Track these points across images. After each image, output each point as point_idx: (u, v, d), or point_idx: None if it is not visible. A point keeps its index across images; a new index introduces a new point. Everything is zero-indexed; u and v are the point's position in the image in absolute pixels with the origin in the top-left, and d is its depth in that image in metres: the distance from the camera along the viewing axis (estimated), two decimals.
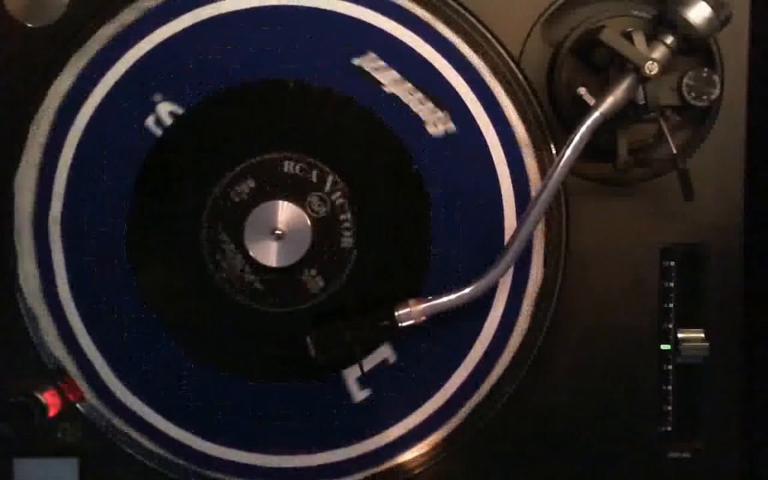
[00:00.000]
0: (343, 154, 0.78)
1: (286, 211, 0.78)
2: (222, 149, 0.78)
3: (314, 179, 0.78)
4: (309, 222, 0.78)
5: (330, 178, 0.78)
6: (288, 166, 0.78)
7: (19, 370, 0.81)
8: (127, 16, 0.77)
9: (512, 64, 0.80)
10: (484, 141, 0.78)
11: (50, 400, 0.79)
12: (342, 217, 0.78)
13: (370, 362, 0.80)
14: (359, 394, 0.80)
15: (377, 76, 0.77)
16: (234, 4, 0.77)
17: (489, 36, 0.79)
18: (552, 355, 0.82)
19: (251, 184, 0.78)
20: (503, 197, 0.78)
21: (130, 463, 0.82)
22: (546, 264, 0.80)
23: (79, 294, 0.80)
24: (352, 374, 0.80)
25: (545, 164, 0.78)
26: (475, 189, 0.78)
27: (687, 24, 0.73)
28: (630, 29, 0.76)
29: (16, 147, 0.78)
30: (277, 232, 0.78)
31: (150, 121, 0.78)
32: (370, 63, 0.77)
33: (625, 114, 0.75)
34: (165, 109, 0.78)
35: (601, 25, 0.77)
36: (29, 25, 0.78)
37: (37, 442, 0.82)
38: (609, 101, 0.73)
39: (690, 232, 0.82)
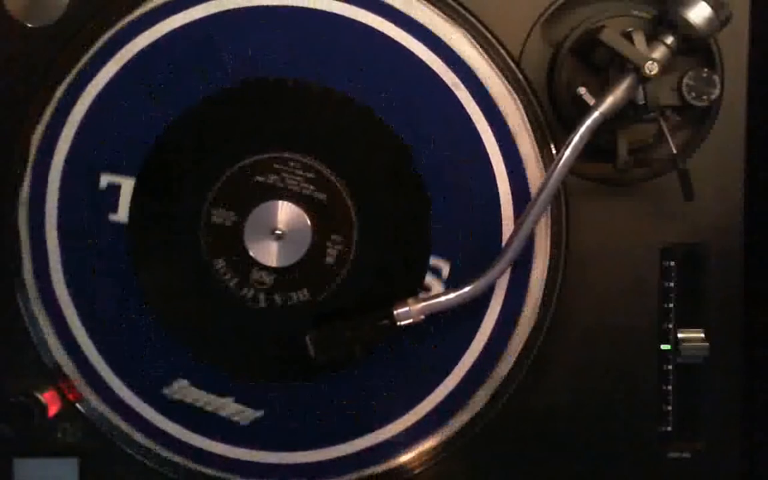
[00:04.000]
0: (342, 154, 0.78)
1: (285, 211, 0.78)
2: (221, 149, 0.78)
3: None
4: (308, 222, 0.78)
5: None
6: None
7: (19, 370, 0.81)
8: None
9: (512, 64, 0.80)
10: (484, 141, 0.78)
11: (50, 400, 0.80)
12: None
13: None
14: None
15: None
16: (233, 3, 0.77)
17: (489, 36, 0.79)
18: (552, 355, 0.82)
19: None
20: (502, 197, 0.78)
21: (130, 463, 0.83)
22: (546, 264, 0.80)
23: (78, 294, 0.80)
24: None
25: (545, 164, 0.78)
26: (474, 189, 0.78)
27: (687, 24, 0.73)
28: (630, 29, 0.76)
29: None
30: (277, 232, 0.78)
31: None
32: None
33: (625, 114, 0.75)
34: None
35: (601, 25, 0.77)
36: (29, 25, 0.78)
37: (37, 442, 0.82)
38: (609, 101, 0.73)
39: (690, 232, 0.82)
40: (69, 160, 0.78)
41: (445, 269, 0.79)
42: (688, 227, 0.82)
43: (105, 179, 0.78)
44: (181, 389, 0.80)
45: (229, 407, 0.81)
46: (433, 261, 0.79)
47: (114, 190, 0.78)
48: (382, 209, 0.79)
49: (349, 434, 0.81)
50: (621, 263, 0.82)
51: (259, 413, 0.81)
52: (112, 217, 0.78)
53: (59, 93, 0.77)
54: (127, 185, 0.78)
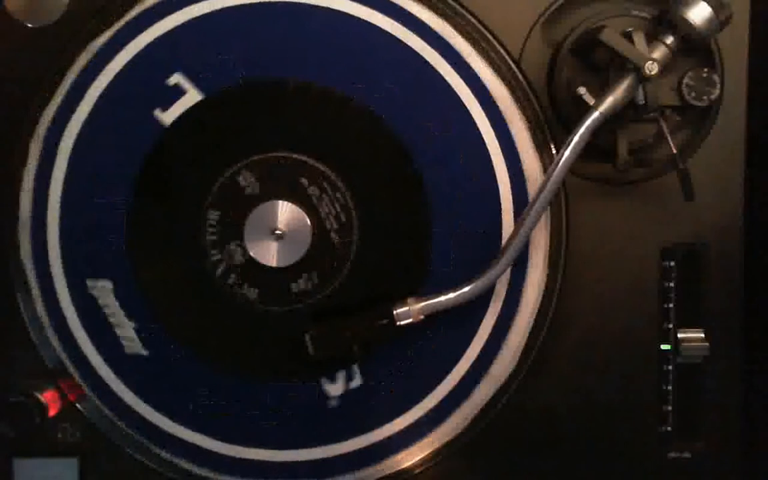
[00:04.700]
0: (343, 154, 0.78)
1: (286, 211, 0.78)
2: (221, 149, 0.78)
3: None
4: (308, 221, 0.78)
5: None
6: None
7: (19, 370, 0.81)
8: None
9: (512, 64, 0.80)
10: (484, 141, 0.78)
11: (50, 400, 0.80)
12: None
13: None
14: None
15: None
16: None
17: (489, 36, 0.79)
18: (552, 355, 0.82)
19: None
20: (502, 197, 0.78)
21: (130, 463, 0.83)
22: (546, 264, 0.80)
23: (79, 294, 0.80)
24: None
25: (545, 164, 0.78)
26: (474, 188, 0.78)
27: (687, 24, 0.73)
28: (630, 29, 0.76)
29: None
30: (277, 232, 0.78)
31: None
32: None
33: (625, 114, 0.75)
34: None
35: (601, 25, 0.77)
36: (29, 25, 0.78)
37: (37, 442, 0.82)
38: (609, 101, 0.73)
39: (690, 232, 0.82)
40: (71, 162, 0.78)
41: None
42: (688, 227, 0.82)
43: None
44: (102, 290, 0.79)
45: (126, 331, 0.79)
46: None
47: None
48: (382, 210, 0.79)
49: (349, 433, 0.81)
50: (621, 263, 0.82)
51: (145, 353, 0.80)
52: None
53: (62, 91, 0.78)
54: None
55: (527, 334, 0.80)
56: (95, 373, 0.80)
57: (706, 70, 0.77)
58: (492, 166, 0.78)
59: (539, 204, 0.74)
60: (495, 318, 0.80)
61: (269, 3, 0.77)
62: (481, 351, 0.80)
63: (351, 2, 0.77)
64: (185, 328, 0.80)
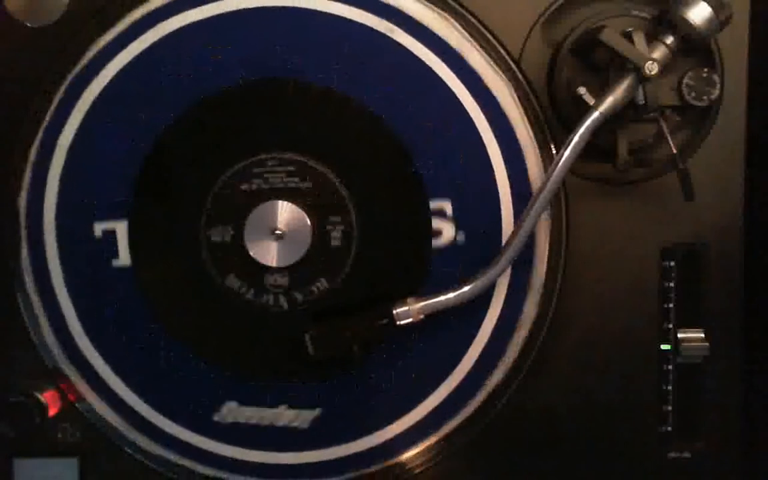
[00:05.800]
0: (343, 155, 0.78)
1: (286, 211, 0.78)
2: (221, 149, 0.78)
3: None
4: (308, 221, 0.78)
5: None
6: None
7: (19, 370, 0.81)
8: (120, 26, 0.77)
9: (512, 64, 0.80)
10: (484, 141, 0.78)
11: (50, 400, 0.80)
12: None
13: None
14: None
15: None
16: (232, 4, 0.77)
17: (489, 36, 0.79)
18: (552, 355, 0.82)
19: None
20: (503, 197, 0.78)
21: (130, 463, 0.83)
22: (546, 264, 0.80)
23: (78, 295, 0.80)
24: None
25: (545, 164, 0.78)
26: (474, 189, 0.78)
27: (687, 24, 0.73)
28: (630, 29, 0.76)
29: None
30: (277, 232, 0.78)
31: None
32: None
33: (625, 114, 0.75)
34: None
35: (601, 25, 0.77)
36: (29, 25, 0.78)
37: (37, 442, 0.82)
38: (609, 101, 0.73)
39: (690, 232, 0.82)
40: (70, 162, 0.78)
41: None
42: (688, 227, 0.82)
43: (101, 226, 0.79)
44: (231, 412, 0.80)
45: (284, 416, 0.80)
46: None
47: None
48: (382, 210, 0.79)
49: (349, 434, 0.81)
50: (621, 263, 0.82)
51: (317, 412, 0.80)
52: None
53: (62, 91, 0.78)
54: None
55: (527, 335, 0.80)
56: (97, 375, 0.80)
57: (706, 70, 0.77)
58: (492, 166, 0.78)
59: (539, 203, 0.74)
60: (497, 318, 0.79)
61: (270, 7, 0.77)
62: (482, 351, 0.80)
63: (351, 7, 0.77)
64: (185, 328, 0.80)
